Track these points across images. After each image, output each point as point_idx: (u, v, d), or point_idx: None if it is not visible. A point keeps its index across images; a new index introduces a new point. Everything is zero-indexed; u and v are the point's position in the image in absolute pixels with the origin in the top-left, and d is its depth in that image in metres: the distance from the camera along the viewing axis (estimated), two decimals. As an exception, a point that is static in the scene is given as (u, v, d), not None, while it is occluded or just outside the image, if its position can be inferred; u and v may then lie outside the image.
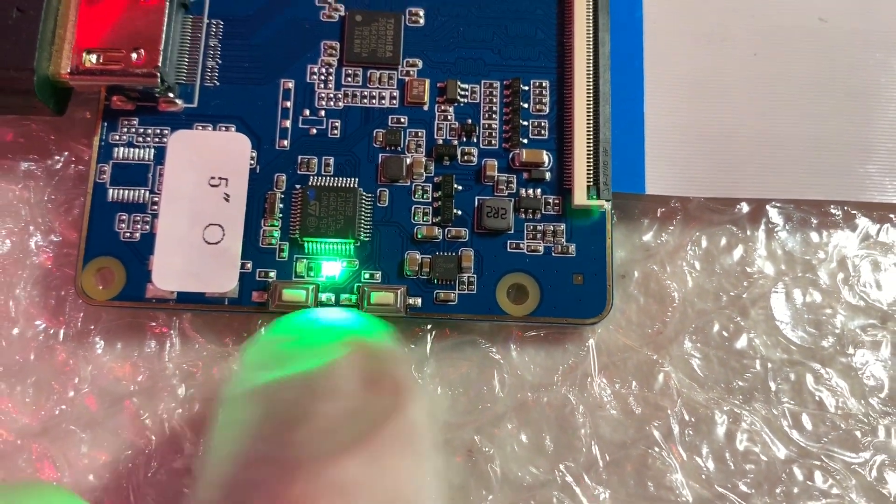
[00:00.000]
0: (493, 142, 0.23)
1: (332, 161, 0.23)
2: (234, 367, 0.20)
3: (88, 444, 0.22)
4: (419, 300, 0.22)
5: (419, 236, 0.22)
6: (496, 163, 0.23)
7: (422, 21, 0.24)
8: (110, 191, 0.22)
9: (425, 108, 0.23)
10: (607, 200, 0.22)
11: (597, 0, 0.23)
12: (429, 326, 0.23)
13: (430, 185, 0.23)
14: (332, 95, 0.23)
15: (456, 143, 0.23)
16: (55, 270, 0.23)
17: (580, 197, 0.22)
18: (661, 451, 0.22)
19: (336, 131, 0.23)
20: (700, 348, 0.23)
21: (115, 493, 0.22)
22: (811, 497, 0.22)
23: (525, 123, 0.23)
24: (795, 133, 0.23)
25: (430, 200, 0.23)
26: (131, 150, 0.23)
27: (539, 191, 0.23)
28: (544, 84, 0.23)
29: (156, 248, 0.22)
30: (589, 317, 0.22)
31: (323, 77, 0.23)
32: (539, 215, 0.23)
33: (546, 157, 0.23)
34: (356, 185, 0.23)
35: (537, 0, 0.24)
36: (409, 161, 0.23)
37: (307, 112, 0.23)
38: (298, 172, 0.23)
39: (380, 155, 0.23)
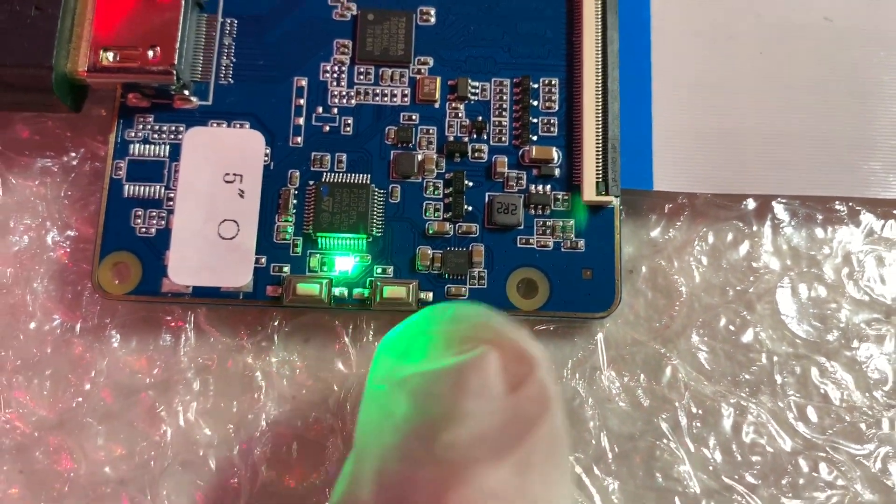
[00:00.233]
0: (504, 139, 0.23)
1: (344, 158, 0.23)
2: (375, 357, 0.19)
3: (104, 437, 0.22)
4: (430, 294, 0.22)
5: (430, 232, 0.23)
6: (506, 159, 0.23)
7: (433, 20, 0.24)
8: (126, 187, 0.23)
9: (436, 105, 0.24)
10: (616, 196, 0.23)
11: (605, -1, 0.24)
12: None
13: (441, 181, 0.23)
14: (344, 93, 0.24)
15: (466, 140, 0.23)
16: (72, 265, 0.23)
17: (589, 193, 0.23)
18: (668, 443, 0.23)
19: (349, 128, 0.23)
20: (707, 342, 0.23)
21: (130, 484, 0.22)
22: (816, 488, 0.22)
23: (535, 121, 0.24)
24: (801, 130, 0.24)
25: (441, 196, 0.23)
26: (147, 146, 0.23)
27: (548, 187, 0.23)
28: (553, 82, 0.24)
29: (171, 244, 0.22)
30: (597, 311, 0.22)
31: (336, 75, 0.24)
32: (548, 211, 0.23)
33: (555, 154, 0.23)
34: (368, 182, 0.23)
35: (546, -1, 0.24)
36: (420, 158, 0.23)
37: (320, 109, 0.23)
38: (312, 169, 0.23)
39: (392, 152, 0.23)
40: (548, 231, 0.23)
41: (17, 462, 0.22)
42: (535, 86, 0.24)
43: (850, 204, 0.24)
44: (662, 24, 0.24)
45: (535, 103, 0.24)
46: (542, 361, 0.18)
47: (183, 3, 0.23)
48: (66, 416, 0.22)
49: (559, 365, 0.23)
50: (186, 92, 0.23)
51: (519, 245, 0.23)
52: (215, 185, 0.22)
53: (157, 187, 0.23)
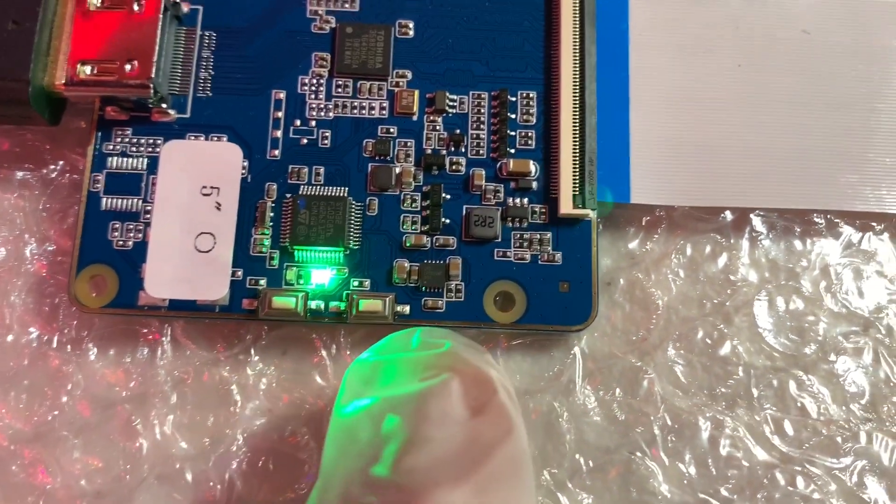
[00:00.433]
0: (481, 152, 0.24)
1: (322, 170, 0.23)
2: (342, 383, 0.20)
3: (81, 450, 0.22)
4: (407, 308, 0.22)
5: (408, 245, 0.23)
6: (484, 172, 0.23)
7: (411, 33, 0.24)
8: (104, 199, 0.23)
9: (414, 118, 0.24)
10: (593, 209, 0.23)
11: (583, 12, 0.24)
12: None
13: (419, 194, 0.23)
14: (322, 106, 0.24)
15: (444, 152, 0.23)
16: (49, 278, 0.23)
17: (566, 206, 0.23)
18: (644, 457, 0.23)
19: (326, 141, 0.23)
20: (684, 355, 0.23)
21: (106, 498, 0.22)
22: (792, 502, 0.22)
23: (512, 134, 0.24)
24: (779, 143, 0.24)
25: (418, 209, 0.23)
26: (125, 159, 0.23)
27: (526, 200, 0.23)
28: (531, 95, 0.24)
29: (148, 256, 0.22)
30: (574, 324, 0.22)
31: (314, 88, 0.24)
32: (526, 224, 0.23)
33: (533, 167, 0.23)
34: (346, 195, 0.23)
35: (525, 12, 0.24)
36: (398, 171, 0.23)
37: (298, 122, 0.24)
38: (289, 182, 0.23)
39: (369, 164, 0.23)
40: (525, 244, 0.23)
41: (-6, 475, 0.22)
42: (513, 99, 0.24)
43: (829, 216, 0.24)
44: (641, 38, 0.24)
45: (513, 116, 0.24)
46: (503, 386, 0.19)
47: (161, 16, 0.23)
48: (42, 428, 0.22)
49: (535, 378, 0.23)
50: (164, 105, 0.23)
51: (496, 258, 0.23)
52: (192, 198, 0.22)
53: (135, 200, 0.23)
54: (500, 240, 0.23)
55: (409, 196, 0.23)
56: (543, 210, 0.23)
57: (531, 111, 0.24)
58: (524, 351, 0.23)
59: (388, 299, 0.22)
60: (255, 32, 0.24)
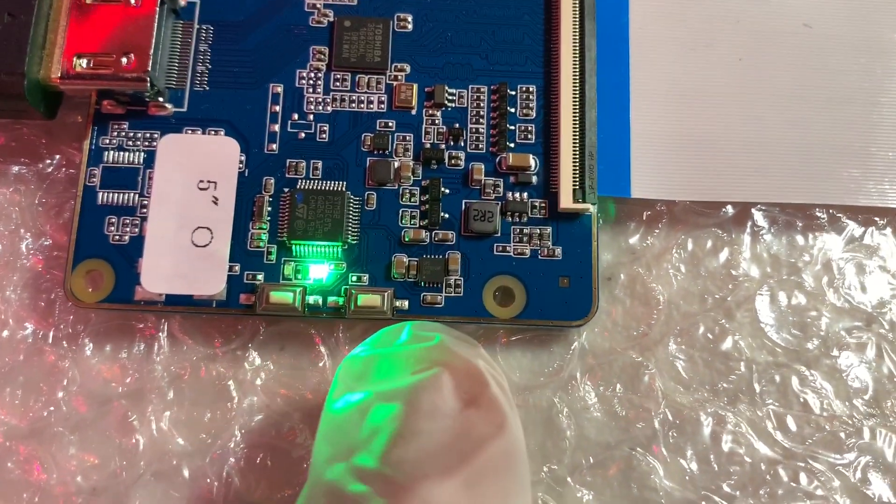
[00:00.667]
0: (481, 146, 0.23)
1: (320, 165, 0.23)
2: (334, 379, 0.20)
3: (77, 446, 0.22)
4: (406, 303, 0.22)
5: (406, 239, 0.23)
6: (483, 166, 0.23)
7: (410, 26, 0.24)
8: (100, 194, 0.23)
9: (413, 112, 0.23)
10: (593, 204, 0.23)
11: (583, 6, 0.24)
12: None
13: (418, 188, 0.23)
14: (320, 100, 0.24)
15: (443, 147, 0.23)
16: (45, 273, 0.23)
17: (566, 200, 0.23)
18: (645, 453, 0.22)
19: (324, 135, 0.23)
20: (685, 350, 0.23)
21: (102, 494, 0.22)
22: (795, 498, 0.22)
23: (512, 128, 0.23)
24: (781, 137, 0.24)
25: (417, 204, 0.23)
26: (121, 153, 0.23)
27: (525, 194, 0.23)
28: (531, 89, 0.24)
29: (145, 251, 0.22)
30: (575, 319, 0.22)
31: (312, 82, 0.24)
32: (525, 218, 0.23)
33: (533, 161, 0.23)
34: (344, 189, 0.23)
35: (524, 6, 0.24)
36: (396, 165, 0.23)
37: (296, 116, 0.23)
38: (287, 176, 0.23)
39: (368, 159, 0.23)
40: (525, 238, 0.23)
41: (-11, 472, 0.22)
42: (513, 93, 0.24)
43: (831, 211, 0.24)
44: (641, 32, 0.24)
45: (513, 110, 0.24)
46: (494, 379, 0.19)
47: (158, 9, 0.23)
48: (38, 424, 0.22)
49: (535, 374, 0.23)
50: (161, 99, 0.23)
51: (496, 253, 0.23)
52: (189, 193, 0.22)
53: (131, 194, 0.23)
54: (499, 234, 0.23)
55: (407, 190, 0.23)
56: (543, 205, 0.23)
57: (531, 105, 0.24)
58: (524, 346, 0.23)
59: (386, 294, 0.22)
60: (253, 26, 0.24)
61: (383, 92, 0.24)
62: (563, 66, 0.23)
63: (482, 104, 0.24)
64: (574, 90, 0.23)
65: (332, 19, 0.24)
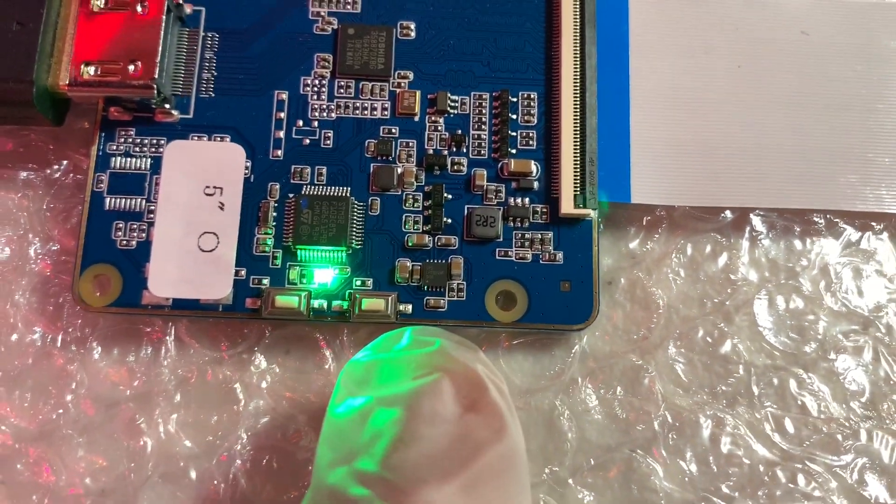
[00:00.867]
0: (483, 152, 0.24)
1: (324, 171, 0.23)
2: (336, 384, 0.20)
3: (85, 448, 0.22)
4: (409, 307, 0.22)
5: (410, 244, 0.23)
6: (485, 172, 0.23)
7: (413, 34, 0.24)
8: (107, 199, 0.23)
9: (416, 119, 0.24)
10: (593, 209, 0.23)
11: (584, 14, 0.24)
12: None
13: (421, 194, 0.23)
14: (324, 107, 0.24)
15: (446, 153, 0.24)
16: (53, 277, 0.23)
17: (567, 205, 0.23)
18: (645, 455, 0.23)
19: (329, 142, 0.24)
20: (685, 354, 0.23)
21: (110, 496, 0.22)
22: (793, 499, 0.22)
23: (513, 134, 0.24)
24: (779, 143, 0.24)
25: (420, 209, 0.23)
26: (128, 159, 0.23)
27: (527, 200, 0.23)
28: (532, 96, 0.24)
29: (152, 256, 0.22)
30: (576, 323, 0.23)
31: (316, 89, 0.24)
32: (527, 223, 0.23)
33: (534, 167, 0.23)
34: (348, 195, 0.23)
35: (526, 14, 0.25)
36: (399, 171, 0.23)
37: (300, 123, 0.24)
38: (292, 182, 0.23)
39: (371, 165, 0.23)
40: (526, 243, 0.23)
41: (-2, 473, 0.22)
42: (514, 99, 0.24)
43: (828, 216, 0.25)
44: (641, 39, 0.24)
45: (514, 117, 0.24)
46: (493, 384, 0.19)
47: (164, 17, 0.23)
48: (47, 427, 0.23)
49: (537, 377, 0.23)
50: (167, 105, 0.23)
51: (498, 257, 0.23)
52: (196, 198, 0.23)
53: (138, 200, 0.23)
54: (501, 239, 0.23)
55: (410, 196, 0.23)
56: (544, 210, 0.23)
57: (532, 112, 0.24)
58: (526, 350, 0.23)
59: (390, 298, 0.22)
60: (258, 34, 0.24)
61: (387, 99, 0.24)
62: (564, 73, 0.24)
63: (484, 111, 0.24)
64: (575, 97, 0.24)
65: (335, 27, 0.24)
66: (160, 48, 0.23)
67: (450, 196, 0.23)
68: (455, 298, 0.23)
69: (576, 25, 0.24)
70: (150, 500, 0.22)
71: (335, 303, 0.22)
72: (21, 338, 0.23)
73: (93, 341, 0.23)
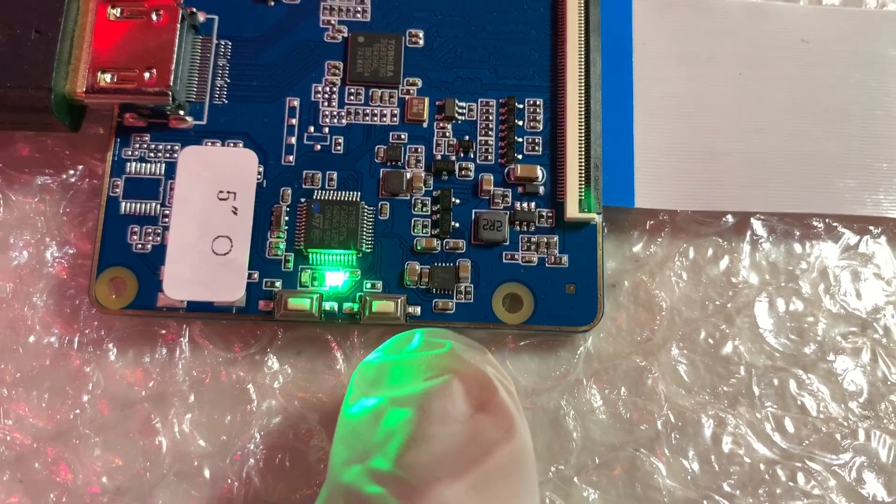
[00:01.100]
0: (490, 157, 0.24)
1: (335, 176, 0.24)
2: (349, 384, 0.21)
3: (101, 448, 0.23)
4: (418, 309, 0.23)
5: (419, 248, 0.23)
6: (492, 177, 0.24)
7: (421, 42, 0.25)
8: (123, 204, 0.23)
9: (424, 125, 0.24)
10: (598, 214, 0.23)
11: (588, 22, 0.24)
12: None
13: (429, 198, 0.24)
14: (335, 113, 0.24)
15: (454, 158, 0.24)
16: (70, 280, 0.24)
17: (572, 210, 0.23)
18: (648, 454, 0.23)
19: (339, 147, 0.24)
20: (687, 355, 0.24)
21: (126, 494, 0.23)
22: (793, 497, 0.23)
23: (520, 140, 0.24)
24: (779, 149, 0.25)
25: (429, 213, 0.24)
26: (143, 164, 0.24)
27: (533, 204, 0.24)
28: (538, 102, 0.25)
29: (166, 259, 0.23)
30: (581, 325, 0.23)
31: (327, 95, 0.24)
32: (533, 227, 0.24)
33: (540, 172, 0.24)
34: (358, 199, 0.24)
35: (531, 22, 0.25)
36: (409, 176, 0.24)
37: (312, 129, 0.24)
38: (303, 187, 0.24)
39: (381, 170, 0.24)
40: (532, 247, 0.24)
41: (17, 472, 0.23)
42: (521, 106, 0.24)
43: (827, 220, 0.25)
44: (644, 47, 0.25)
45: (521, 123, 0.24)
46: (502, 385, 0.19)
47: (178, 26, 0.23)
48: (64, 427, 0.23)
49: (543, 377, 0.24)
50: (182, 112, 0.24)
51: (504, 261, 0.23)
52: (209, 203, 0.23)
53: (153, 204, 0.24)
54: (508, 243, 0.24)
55: (419, 200, 0.24)
56: (550, 214, 0.24)
57: (538, 118, 0.24)
58: (532, 351, 0.24)
59: (399, 301, 0.23)
60: (270, 41, 0.25)
61: (396, 105, 0.24)
62: (569, 80, 0.24)
63: (491, 117, 0.24)
64: (579, 103, 0.24)
65: (346, 35, 0.25)
66: (175, 56, 0.23)
67: (458, 201, 0.24)
68: (463, 301, 0.23)
69: (580, 34, 0.24)
70: (165, 498, 0.23)
71: (346, 305, 0.23)
72: (38, 339, 0.24)
73: (109, 343, 0.24)
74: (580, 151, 0.24)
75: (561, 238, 0.24)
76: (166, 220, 0.23)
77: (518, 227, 0.24)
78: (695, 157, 0.24)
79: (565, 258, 0.23)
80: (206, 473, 0.23)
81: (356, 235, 0.23)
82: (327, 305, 0.23)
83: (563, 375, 0.24)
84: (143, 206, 0.24)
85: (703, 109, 0.25)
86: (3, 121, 0.23)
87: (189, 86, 0.24)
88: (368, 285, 0.23)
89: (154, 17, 0.23)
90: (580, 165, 0.24)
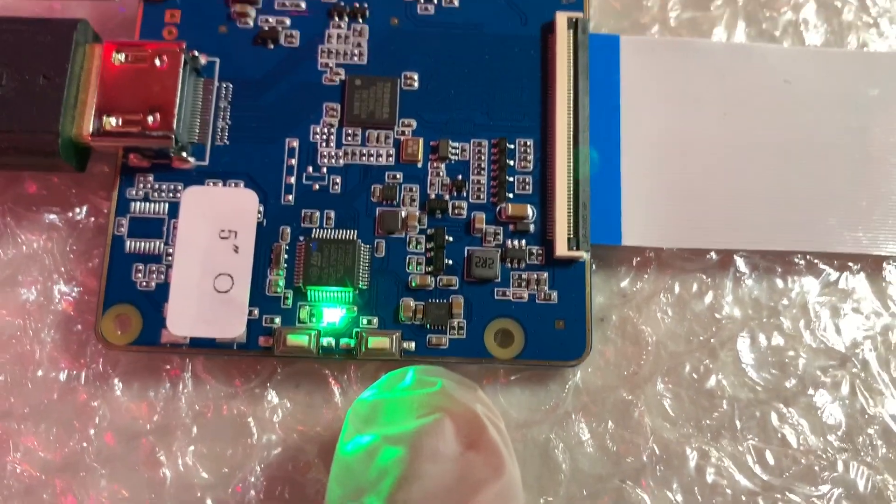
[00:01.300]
0: (482, 196, 0.25)
1: (333, 214, 0.25)
2: (344, 421, 0.21)
3: (108, 479, 0.24)
4: (413, 344, 0.24)
5: (413, 284, 0.24)
6: (484, 216, 0.25)
7: (416, 85, 0.26)
8: (127, 242, 0.24)
9: (419, 165, 0.25)
10: (586, 251, 0.24)
11: (577, 65, 0.25)
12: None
13: (424, 236, 0.25)
14: (333, 154, 0.25)
15: (447, 197, 0.25)
16: (77, 316, 0.25)
17: (561, 248, 0.24)
18: (634, 486, 0.24)
19: (337, 187, 0.25)
20: (672, 389, 0.25)
21: (131, 523, 0.24)
22: (773, 527, 0.24)
23: (511, 179, 0.25)
24: (762, 188, 0.25)
25: (423, 251, 0.25)
26: (147, 204, 0.25)
27: (524, 242, 0.25)
28: (529, 143, 0.25)
29: (170, 297, 0.23)
30: (570, 359, 0.24)
31: (325, 137, 0.25)
32: (524, 265, 0.24)
33: (530, 211, 0.25)
34: (355, 237, 0.24)
35: (522, 65, 0.26)
36: (403, 214, 0.25)
37: (310, 169, 0.25)
38: (302, 225, 0.25)
39: (377, 209, 0.25)
40: (523, 283, 0.24)
41: (26, 503, 0.24)
42: (512, 146, 0.25)
43: (808, 257, 0.26)
44: (631, 89, 0.26)
45: (512, 163, 0.25)
46: (492, 423, 0.20)
47: (181, 70, 0.24)
48: (72, 459, 0.24)
49: (533, 410, 0.25)
50: (184, 153, 0.25)
51: (496, 297, 0.24)
52: (211, 241, 0.24)
53: (157, 243, 0.24)
54: (499, 280, 0.24)
55: (414, 238, 0.25)
56: (540, 252, 0.25)
57: (528, 158, 0.25)
58: (523, 385, 0.25)
59: (394, 337, 0.24)
60: (270, 84, 0.26)
61: (391, 146, 0.25)
62: (559, 121, 0.25)
63: (483, 157, 0.25)
64: (568, 144, 0.25)
65: (343, 78, 0.26)
66: (178, 100, 0.24)
67: (451, 238, 0.25)
68: (456, 336, 0.24)
69: (570, 76, 0.25)
70: (168, 527, 0.24)
71: (343, 341, 0.24)
72: (46, 374, 0.24)
73: (114, 377, 0.24)
74: (569, 191, 0.24)
75: (551, 275, 0.24)
76: (170, 258, 0.24)
77: (509, 265, 0.24)
78: (680, 195, 0.25)
79: (555, 294, 0.24)
80: (209, 504, 0.24)
81: (353, 273, 0.24)
82: (325, 341, 0.24)
83: (552, 409, 0.25)
84: (147, 244, 0.24)
85: (688, 149, 0.26)
86: (12, 163, 0.24)
87: (192, 127, 0.25)
88: (365, 321, 0.24)
89: (157, 61, 0.24)
90: (569, 205, 0.24)
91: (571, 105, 0.25)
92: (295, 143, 0.25)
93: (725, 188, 0.25)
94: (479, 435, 0.20)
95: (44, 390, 0.24)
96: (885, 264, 0.26)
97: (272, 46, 0.26)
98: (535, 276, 0.24)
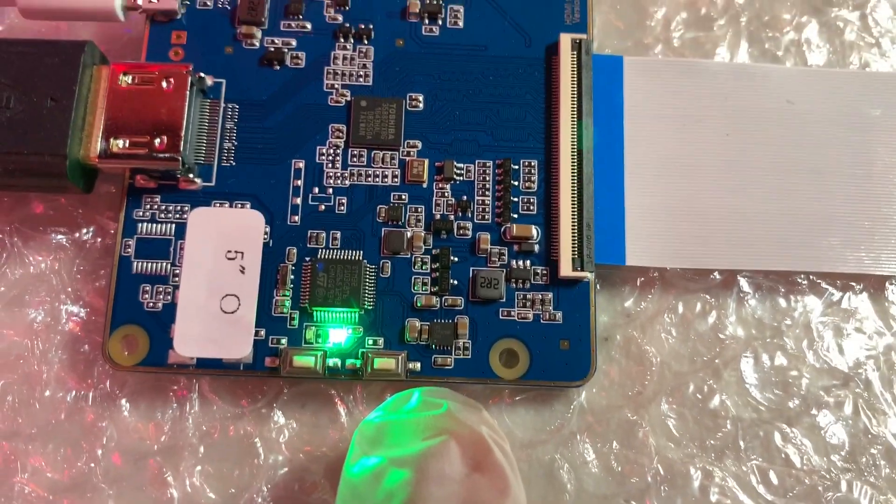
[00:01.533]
0: (487, 217, 0.25)
1: (338, 235, 0.25)
2: (351, 443, 0.21)
3: (115, 500, 0.24)
4: (418, 364, 0.24)
5: (418, 305, 0.24)
6: (489, 236, 0.25)
7: (421, 106, 0.26)
8: (134, 263, 0.24)
9: (424, 185, 0.25)
10: (591, 272, 0.24)
11: (581, 86, 0.25)
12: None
13: (429, 257, 0.25)
14: (339, 174, 0.25)
15: (452, 218, 0.25)
16: (84, 337, 0.25)
17: (566, 268, 0.24)
18: (639, 506, 0.24)
19: (343, 208, 0.25)
20: (676, 409, 0.25)
21: (138, 542, 0.24)
22: (777, 547, 0.24)
23: (515, 200, 0.25)
24: (765, 208, 0.25)
25: (428, 271, 0.25)
26: (154, 225, 0.25)
27: (528, 262, 0.25)
28: (533, 164, 0.26)
29: (177, 318, 0.23)
30: (574, 380, 0.24)
31: (331, 157, 0.25)
32: (528, 285, 0.25)
33: (535, 231, 0.25)
34: (361, 258, 0.25)
35: (527, 86, 0.26)
36: (409, 235, 0.25)
37: (316, 190, 0.25)
38: (308, 246, 0.25)
39: (382, 229, 0.25)
40: (528, 304, 0.25)
41: (33, 523, 0.24)
42: (516, 167, 0.25)
43: (811, 277, 0.26)
44: (635, 110, 0.26)
45: (516, 183, 0.25)
46: (497, 445, 0.20)
47: (188, 92, 0.24)
48: (79, 480, 0.24)
49: (538, 431, 0.25)
50: (191, 174, 0.25)
51: (501, 317, 0.24)
52: (218, 262, 0.24)
53: (164, 264, 0.24)
54: (504, 300, 0.24)
55: (419, 259, 0.25)
56: (545, 272, 0.25)
57: (533, 179, 0.25)
58: (527, 405, 0.25)
59: (400, 357, 0.24)
60: (276, 105, 0.26)
61: (397, 167, 0.25)
62: (563, 142, 0.25)
63: (488, 178, 0.25)
64: (572, 165, 0.25)
65: (349, 99, 0.26)
66: (184, 122, 0.24)
67: (456, 259, 0.25)
68: (461, 356, 0.24)
69: (573, 97, 0.25)
70: (175, 546, 0.24)
71: (349, 361, 0.24)
72: (54, 394, 0.24)
73: (122, 398, 0.25)
74: (573, 212, 0.25)
75: (555, 295, 0.25)
76: (176, 279, 0.24)
77: (514, 285, 0.25)
78: (683, 216, 0.25)
79: (559, 314, 0.24)
80: (215, 524, 0.24)
81: (358, 293, 0.24)
82: (331, 362, 0.24)
83: (557, 429, 0.25)
84: (154, 265, 0.24)
85: (692, 170, 0.26)
86: (19, 184, 0.24)
87: (198, 148, 0.25)
88: (370, 342, 0.24)
89: (164, 83, 0.24)
90: (573, 225, 0.25)
91: (575, 126, 0.25)
92: (301, 164, 0.25)
93: (728, 208, 0.25)
94: (485, 457, 0.20)
95: (51, 410, 0.24)
96: (887, 284, 0.26)
97: (278, 67, 0.26)
98: (540, 296, 0.25)
